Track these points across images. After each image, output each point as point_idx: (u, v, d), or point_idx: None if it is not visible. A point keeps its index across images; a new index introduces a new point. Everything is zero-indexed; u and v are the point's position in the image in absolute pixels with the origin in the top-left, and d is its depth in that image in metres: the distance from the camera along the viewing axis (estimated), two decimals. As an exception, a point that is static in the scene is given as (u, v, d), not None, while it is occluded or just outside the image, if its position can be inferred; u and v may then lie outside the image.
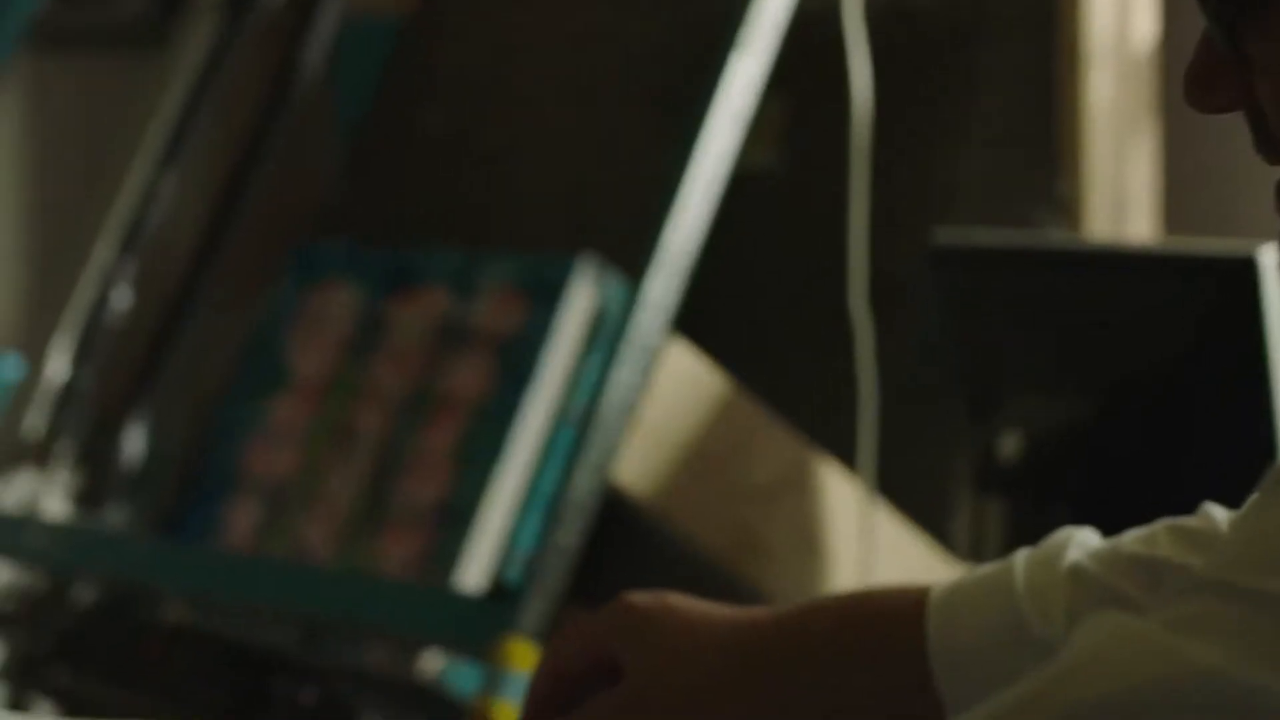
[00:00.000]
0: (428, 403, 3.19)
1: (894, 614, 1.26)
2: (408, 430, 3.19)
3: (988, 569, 1.26)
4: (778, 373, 3.21)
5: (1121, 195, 3.26)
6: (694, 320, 2.91)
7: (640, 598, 1.31)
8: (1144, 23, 3.27)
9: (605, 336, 3.04)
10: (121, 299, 3.76)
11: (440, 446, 3.13)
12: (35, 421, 3.86)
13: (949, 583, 1.27)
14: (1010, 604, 1.23)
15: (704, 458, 2.98)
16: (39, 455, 3.79)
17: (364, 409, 3.27)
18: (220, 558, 3.26)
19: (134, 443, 3.67)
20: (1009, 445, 2.88)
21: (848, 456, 3.07)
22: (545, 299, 3.15)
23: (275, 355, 3.46)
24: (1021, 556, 1.25)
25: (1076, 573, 1.22)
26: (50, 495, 3.73)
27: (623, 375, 2.76)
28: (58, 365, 3.90)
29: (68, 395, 3.85)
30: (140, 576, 3.25)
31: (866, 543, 3.01)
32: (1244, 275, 2.44)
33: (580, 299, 3.13)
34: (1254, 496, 1.05)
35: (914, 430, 3.10)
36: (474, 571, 2.97)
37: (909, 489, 3.14)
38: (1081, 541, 1.25)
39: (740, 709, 1.27)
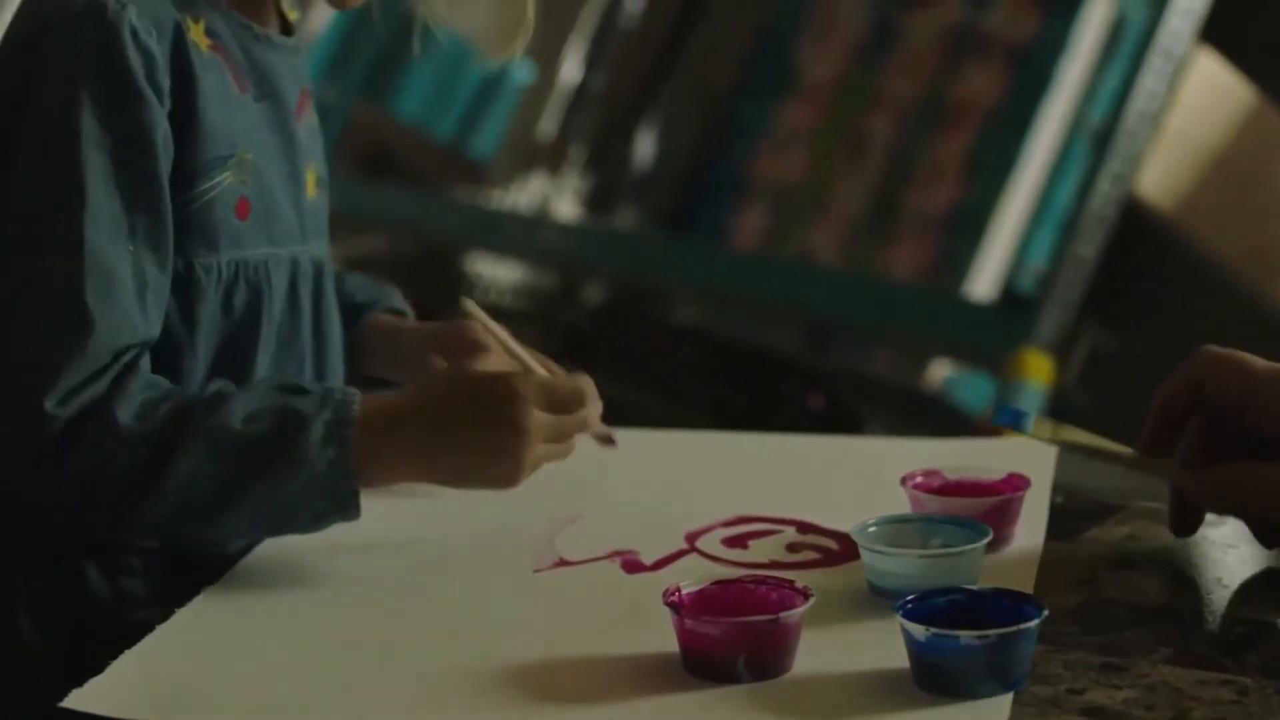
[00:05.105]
0: (940, 109, 3.15)
1: None
2: (919, 137, 3.16)
3: None
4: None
5: None
6: (1224, 30, 2.80)
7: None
8: None
9: (1126, 45, 2.95)
10: (633, 2, 3.80)
11: (952, 154, 3.09)
12: (547, 125, 3.95)
13: None
14: None
15: (1229, 171, 2.88)
16: (551, 158, 3.89)
17: (875, 115, 3.24)
18: (729, 257, 3.30)
19: (644, 144, 3.73)
20: None
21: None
22: (1062, 6, 3.06)
23: (785, 59, 3.45)
24: None
25: None
26: (561, 197, 3.83)
27: (1146, 85, 2.69)
28: (570, 69, 3.97)
29: (579, 98, 3.93)
30: (649, 275, 3.32)
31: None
32: None
33: (1099, 6, 3.03)
34: None
35: None
36: (984, 280, 2.94)
37: None
38: None
39: None
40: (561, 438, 1.28)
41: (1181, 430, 1.21)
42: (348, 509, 1.21)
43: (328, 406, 1.20)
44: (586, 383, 1.32)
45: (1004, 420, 1.19)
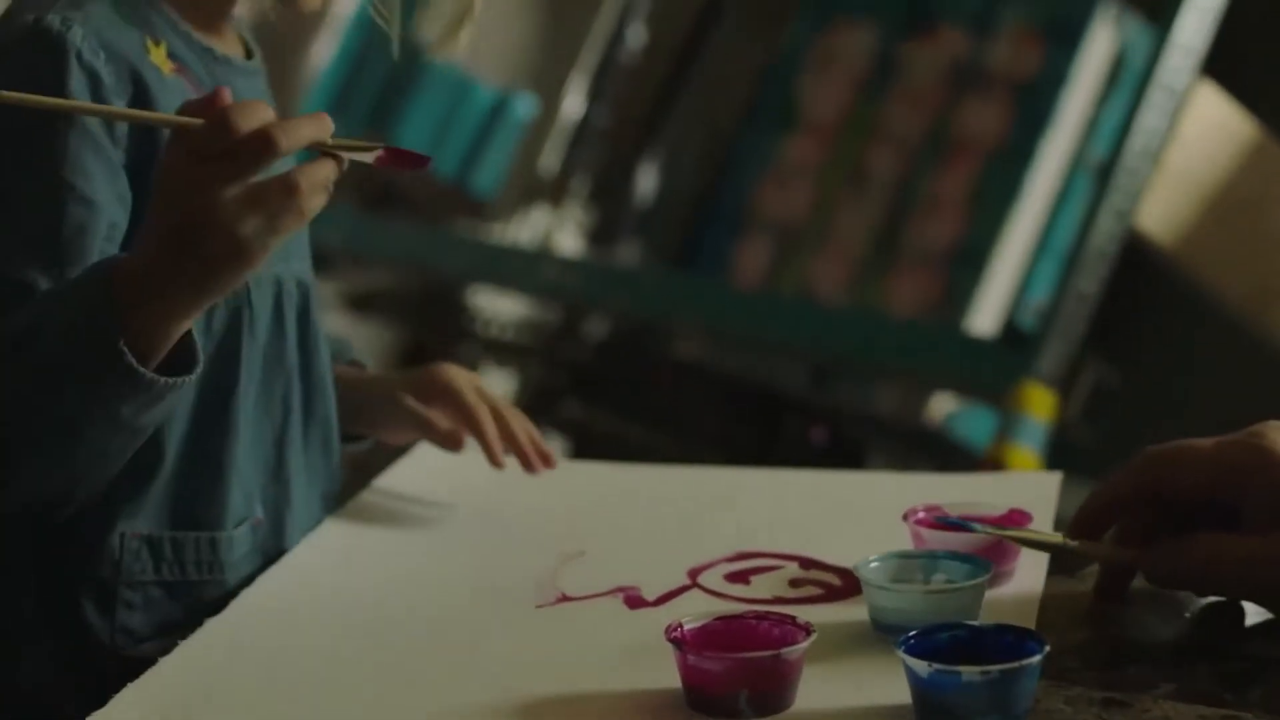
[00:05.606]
0: (942, 144, 3.15)
1: None
2: (922, 171, 3.16)
3: None
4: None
5: None
6: (1225, 65, 2.80)
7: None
8: None
9: (1127, 81, 2.95)
10: (636, 36, 3.81)
11: (955, 188, 3.09)
12: (549, 159, 3.95)
13: None
14: None
15: (1230, 206, 2.88)
16: (553, 192, 3.89)
17: (877, 150, 3.25)
18: (731, 293, 3.30)
19: (646, 179, 3.73)
20: None
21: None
22: (1064, 42, 3.07)
23: (788, 93, 3.46)
24: None
25: None
26: (564, 231, 3.83)
27: (1147, 120, 2.69)
28: (572, 103, 3.98)
29: (581, 133, 3.93)
30: (651, 310, 3.32)
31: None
32: None
33: (1100, 42, 3.04)
34: None
35: None
36: (986, 315, 2.94)
37: None
38: None
39: None
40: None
41: (1113, 522, 1.20)
42: (114, 361, 1.11)
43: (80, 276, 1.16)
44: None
45: (953, 523, 1.20)
